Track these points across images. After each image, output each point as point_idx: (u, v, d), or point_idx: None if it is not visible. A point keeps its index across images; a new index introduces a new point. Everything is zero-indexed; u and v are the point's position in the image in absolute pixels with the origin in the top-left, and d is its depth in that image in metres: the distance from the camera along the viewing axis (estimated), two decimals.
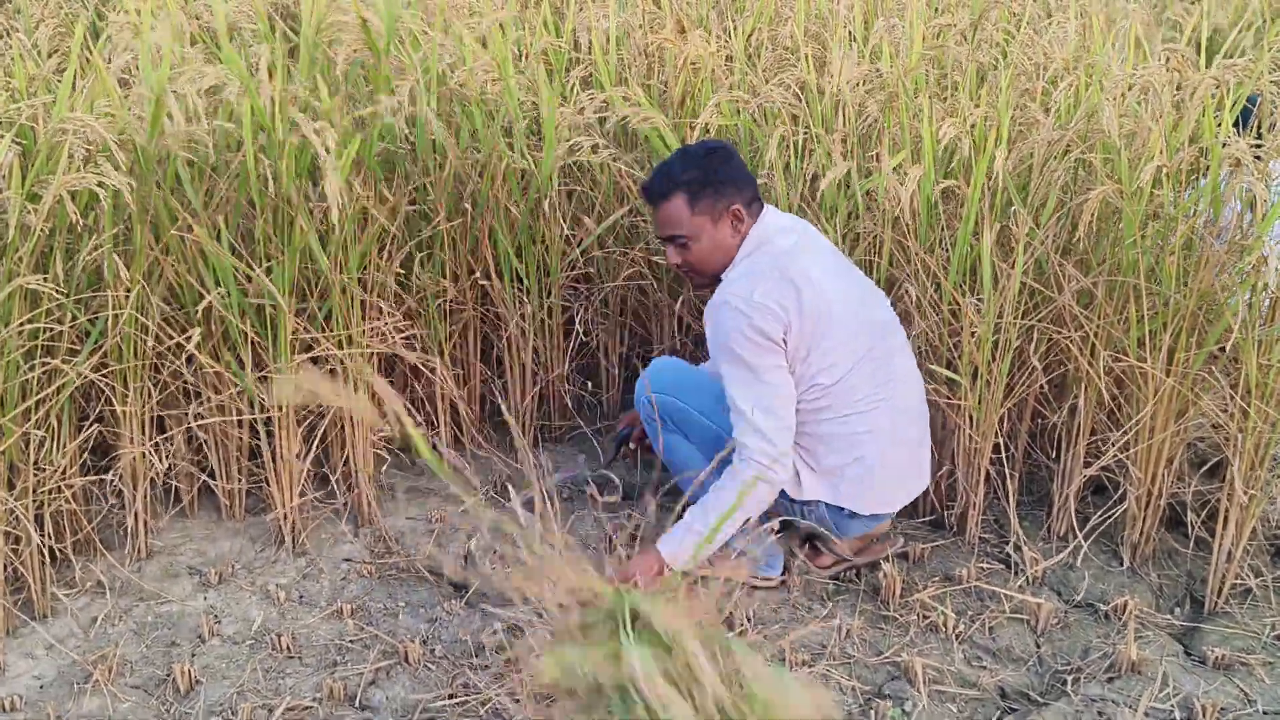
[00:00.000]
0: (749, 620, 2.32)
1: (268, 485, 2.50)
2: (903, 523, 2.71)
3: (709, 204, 2.25)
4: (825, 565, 2.48)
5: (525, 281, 2.80)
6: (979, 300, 2.43)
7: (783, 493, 2.33)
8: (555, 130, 2.72)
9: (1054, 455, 2.70)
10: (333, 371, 2.51)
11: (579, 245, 2.84)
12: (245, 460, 2.57)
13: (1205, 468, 2.54)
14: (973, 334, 2.44)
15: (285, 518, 2.50)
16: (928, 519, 2.71)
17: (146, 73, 2.28)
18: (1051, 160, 2.45)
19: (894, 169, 2.44)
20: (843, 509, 2.35)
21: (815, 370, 2.24)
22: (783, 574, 2.47)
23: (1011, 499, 2.57)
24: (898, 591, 2.40)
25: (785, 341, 2.20)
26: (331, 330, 2.46)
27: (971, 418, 2.52)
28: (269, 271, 2.35)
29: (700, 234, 2.26)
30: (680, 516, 2.23)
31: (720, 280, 2.31)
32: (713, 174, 2.25)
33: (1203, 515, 2.54)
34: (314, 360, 2.50)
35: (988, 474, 2.59)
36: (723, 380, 2.25)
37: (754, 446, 2.21)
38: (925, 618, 2.35)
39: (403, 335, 2.55)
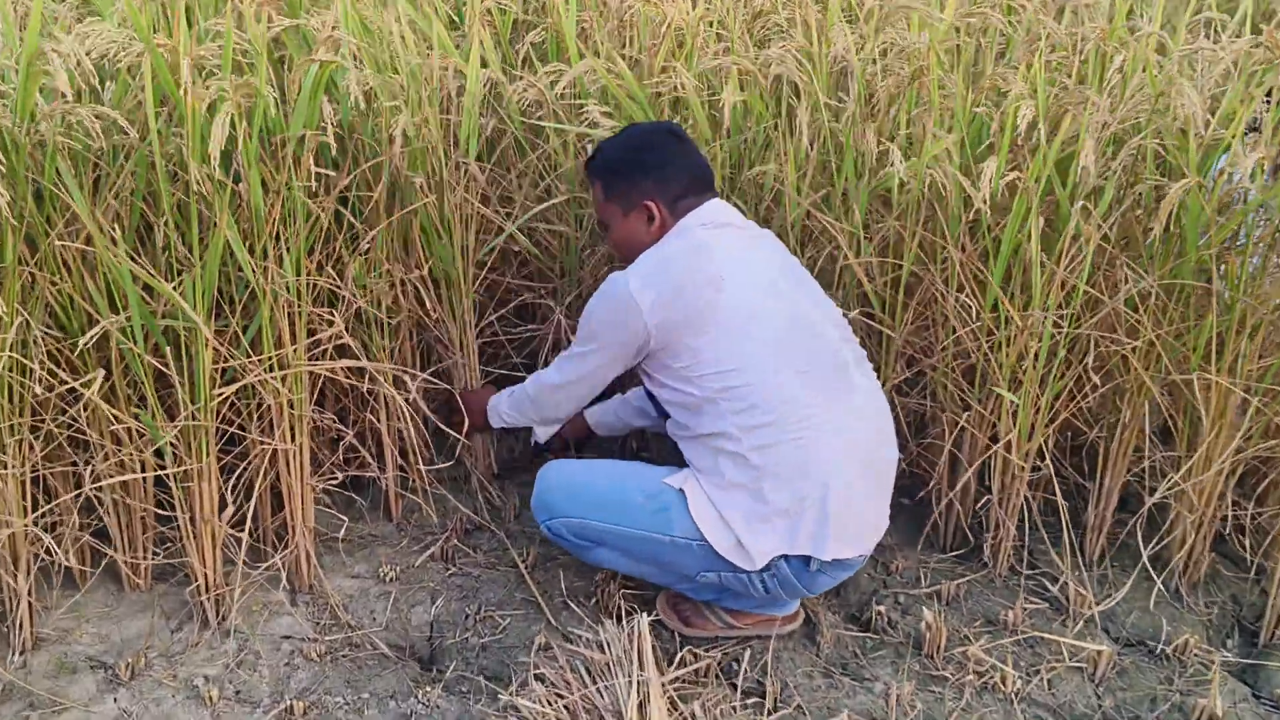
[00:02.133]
0: (781, 694, 1.97)
1: (184, 552, 2.01)
2: (925, 555, 2.40)
3: (622, 194, 2.07)
4: (704, 633, 2.12)
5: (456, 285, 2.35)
6: (1022, 305, 2.12)
7: (726, 574, 1.98)
8: (504, 106, 2.28)
9: (1088, 474, 2.42)
10: (262, 404, 2.03)
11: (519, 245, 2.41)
12: (153, 521, 2.07)
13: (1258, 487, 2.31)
14: (1015, 342, 2.13)
15: (208, 588, 2.02)
16: (956, 553, 2.40)
17: (9, 33, 1.75)
18: (1106, 146, 2.14)
19: (932, 154, 2.09)
20: (807, 561, 1.93)
21: (714, 369, 1.92)
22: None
23: (1066, 531, 2.29)
24: (943, 643, 2.09)
25: (642, 333, 1.95)
26: (260, 352, 1.97)
27: (997, 435, 2.22)
28: (179, 284, 1.86)
29: (613, 222, 2.10)
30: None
31: None
32: (634, 162, 2.05)
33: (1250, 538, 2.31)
34: (240, 393, 2.03)
35: (1026, 501, 2.30)
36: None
37: (546, 380, 2.17)
38: (979, 674, 2.05)
39: (347, 365, 2.08)
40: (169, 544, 2.10)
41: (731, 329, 1.91)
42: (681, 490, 1.96)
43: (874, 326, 2.34)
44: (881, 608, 2.18)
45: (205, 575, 2.01)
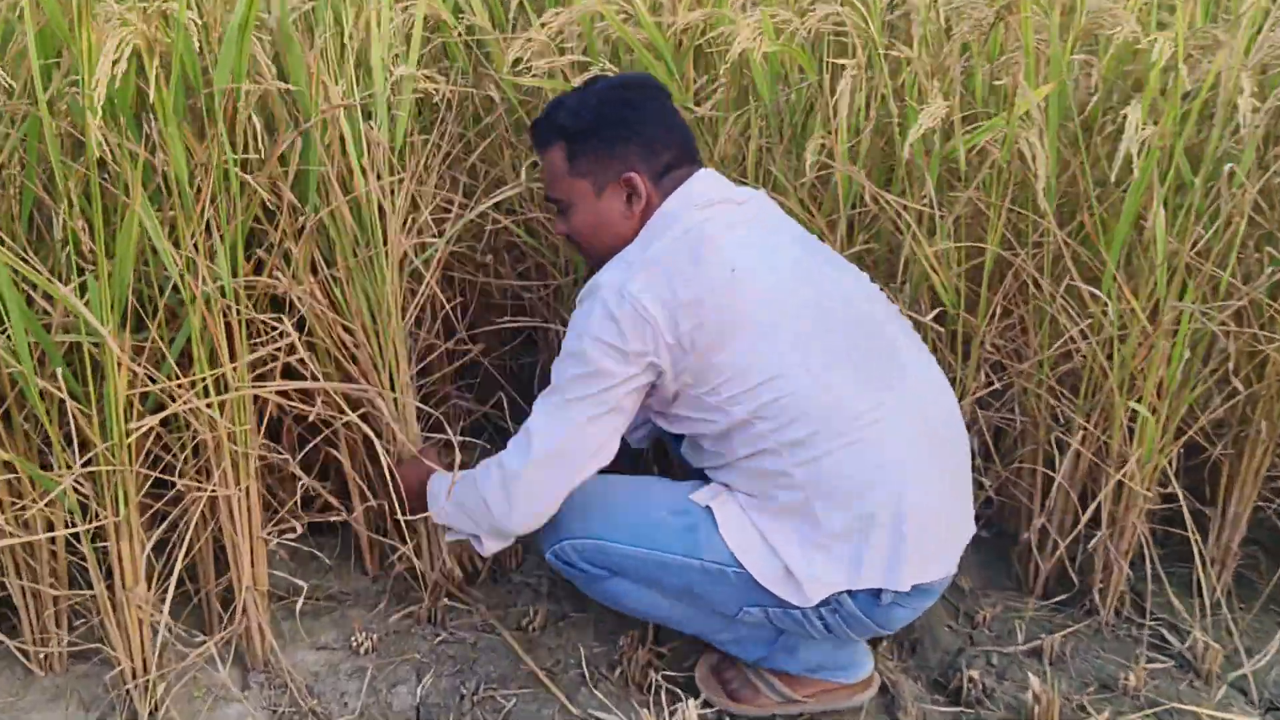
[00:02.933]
0: None
1: (104, 632, 1.59)
2: (1014, 601, 1.98)
3: (593, 164, 1.60)
4: (757, 711, 1.71)
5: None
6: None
7: (774, 610, 1.58)
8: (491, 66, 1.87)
9: (1207, 498, 2.01)
10: (196, 438, 1.61)
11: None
12: (63, 596, 1.64)
13: None
14: (1139, 341, 1.72)
15: (134, 674, 1.60)
16: (1056, 599, 1.98)
17: None
18: (1236, 97, 1.73)
19: (1022, 114, 1.69)
20: (878, 595, 1.53)
21: (743, 388, 1.50)
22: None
23: (1200, 569, 1.88)
24: (1056, 715, 1.67)
25: (658, 356, 1.50)
26: (190, 373, 1.55)
27: (1107, 454, 1.81)
28: (83, 290, 1.44)
29: (578, 202, 1.63)
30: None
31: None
32: (614, 120, 1.59)
33: None
34: (165, 423, 1.61)
35: (1145, 537, 1.88)
36: (553, 369, 1.60)
37: (509, 465, 1.60)
38: None
39: (297, 387, 1.66)
40: (85, 617, 1.68)
41: (759, 332, 1.49)
42: (709, 508, 1.57)
43: (943, 330, 1.92)
44: (973, 672, 1.76)
45: (131, 658, 1.59)
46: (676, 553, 1.57)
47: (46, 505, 1.53)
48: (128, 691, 1.60)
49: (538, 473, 1.56)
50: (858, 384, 1.51)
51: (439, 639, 1.84)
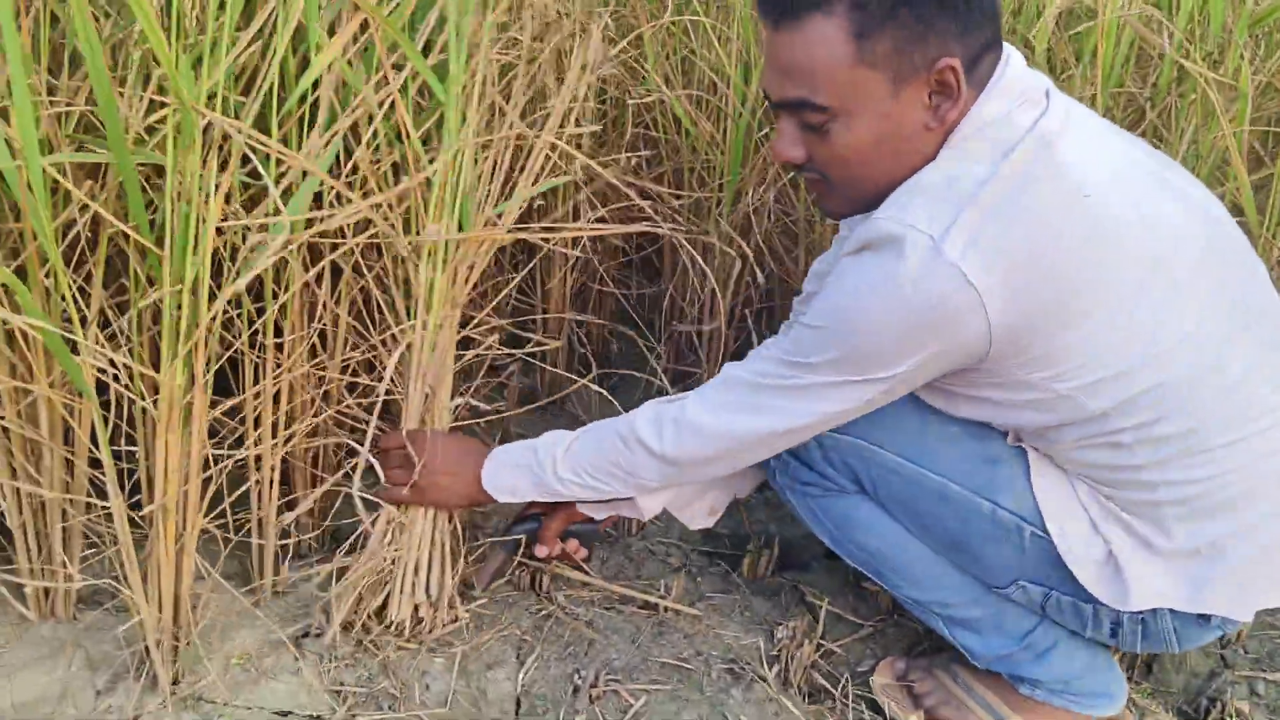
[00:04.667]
0: None
1: (120, 568, 1.20)
2: (1266, 612, 1.56)
3: (897, 46, 1.04)
4: None
5: None
6: None
7: (1062, 596, 1.17)
8: None
9: None
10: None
11: None
12: (75, 511, 1.25)
13: None
14: None
15: (158, 630, 1.21)
16: None
17: None
18: None
19: None
20: (1207, 618, 1.13)
21: (1093, 376, 1.05)
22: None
23: None
24: None
25: (975, 343, 1.04)
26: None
27: None
28: None
29: (860, 107, 1.06)
30: None
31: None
32: None
33: None
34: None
35: None
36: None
37: (668, 435, 1.19)
38: None
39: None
40: (100, 547, 1.29)
41: (1124, 298, 1.04)
42: (1021, 448, 1.16)
43: None
44: (1240, 704, 1.35)
45: (156, 606, 1.20)
46: (964, 485, 1.16)
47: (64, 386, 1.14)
48: (146, 649, 1.21)
49: (743, 443, 1.18)
50: (1261, 361, 1.09)
51: (544, 613, 1.44)
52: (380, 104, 1.17)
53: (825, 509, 1.27)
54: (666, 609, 1.46)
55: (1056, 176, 1.04)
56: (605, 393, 1.55)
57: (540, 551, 1.40)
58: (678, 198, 1.81)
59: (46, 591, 1.30)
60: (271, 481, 1.32)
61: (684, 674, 1.36)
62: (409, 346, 1.25)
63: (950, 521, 1.18)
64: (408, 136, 1.17)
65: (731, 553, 1.61)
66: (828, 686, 1.36)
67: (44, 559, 1.25)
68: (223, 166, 1.07)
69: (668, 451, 1.19)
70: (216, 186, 1.05)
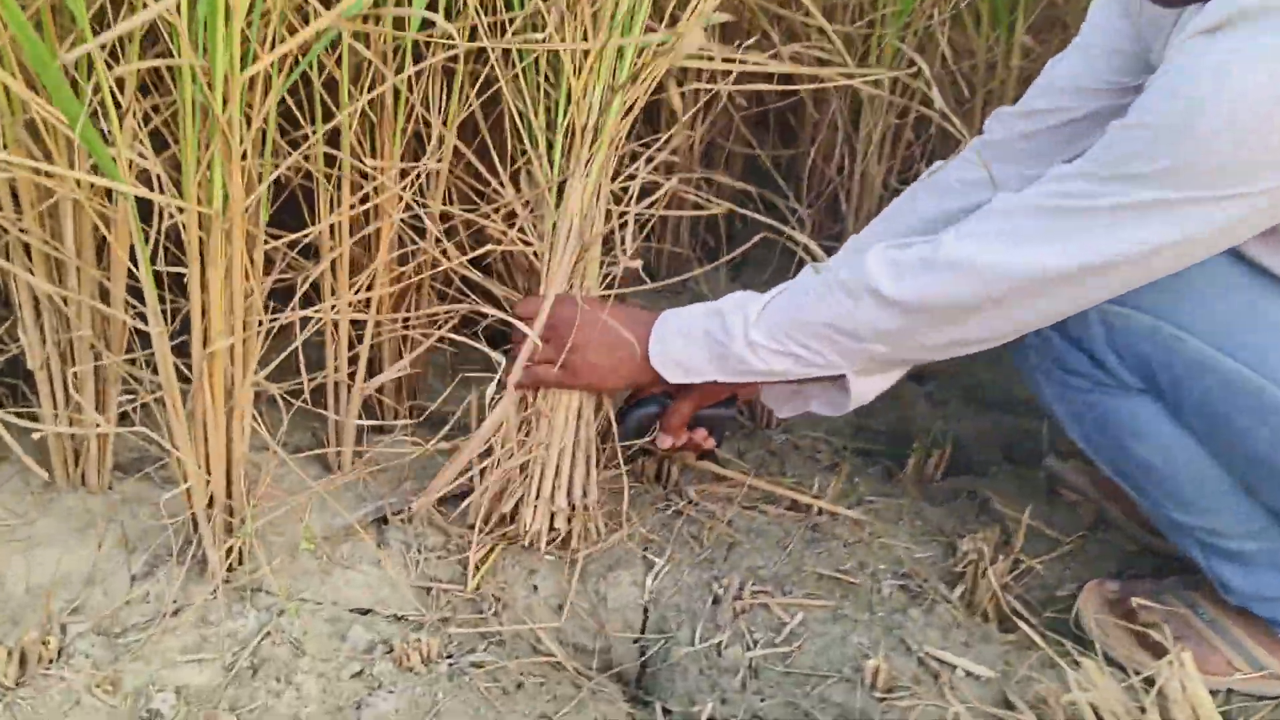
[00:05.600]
0: None
1: (163, 425, 0.96)
2: None
3: None
4: (1207, 675, 0.97)
5: None
6: None
7: None
8: None
9: None
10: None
11: None
12: (114, 352, 1.01)
13: None
14: None
15: (209, 504, 0.97)
16: None
17: None
18: None
19: None
20: None
21: None
22: None
23: None
24: None
25: None
26: None
27: None
28: None
29: None
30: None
31: None
32: None
33: None
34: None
35: None
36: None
37: (912, 278, 0.90)
38: None
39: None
40: (137, 396, 1.04)
41: None
42: None
43: None
44: None
45: (206, 471, 0.95)
46: None
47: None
48: (195, 524, 0.97)
49: (925, 326, 0.92)
50: None
51: (674, 510, 1.19)
52: None
53: (1092, 406, 0.97)
54: (821, 511, 1.19)
55: None
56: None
57: (664, 442, 1.14)
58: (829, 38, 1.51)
59: (76, 453, 1.06)
60: (351, 341, 1.07)
61: (848, 589, 1.10)
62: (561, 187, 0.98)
63: (1263, 441, 0.89)
64: None
65: (893, 450, 1.34)
66: (1021, 611, 1.09)
67: (73, 408, 1.02)
68: None
69: (908, 297, 0.89)
70: None
